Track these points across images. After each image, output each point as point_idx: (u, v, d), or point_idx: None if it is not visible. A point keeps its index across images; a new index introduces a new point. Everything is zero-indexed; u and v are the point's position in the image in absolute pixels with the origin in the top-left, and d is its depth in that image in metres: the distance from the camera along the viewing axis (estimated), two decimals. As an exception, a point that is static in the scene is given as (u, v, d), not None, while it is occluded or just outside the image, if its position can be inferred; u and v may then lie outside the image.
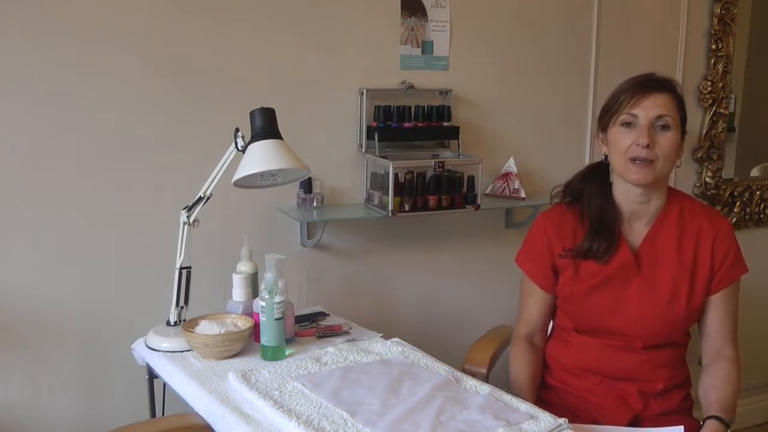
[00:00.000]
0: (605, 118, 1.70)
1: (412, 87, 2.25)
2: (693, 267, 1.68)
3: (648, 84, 1.64)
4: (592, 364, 1.73)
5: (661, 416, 1.70)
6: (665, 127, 1.61)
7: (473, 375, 1.90)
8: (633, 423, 1.69)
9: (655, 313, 1.67)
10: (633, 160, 1.62)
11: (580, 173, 1.81)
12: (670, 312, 1.67)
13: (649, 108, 1.61)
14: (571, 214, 1.77)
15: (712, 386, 1.67)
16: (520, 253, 1.84)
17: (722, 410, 1.62)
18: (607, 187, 1.75)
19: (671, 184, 2.80)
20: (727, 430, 1.61)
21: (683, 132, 1.66)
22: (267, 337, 1.64)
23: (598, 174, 1.77)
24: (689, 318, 1.70)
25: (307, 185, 2.14)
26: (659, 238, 1.70)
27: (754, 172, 3.09)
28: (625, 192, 1.70)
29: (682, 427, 1.57)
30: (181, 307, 1.78)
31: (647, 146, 1.60)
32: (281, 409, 1.36)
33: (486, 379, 1.93)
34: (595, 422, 1.67)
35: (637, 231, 1.72)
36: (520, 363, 1.77)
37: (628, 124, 1.63)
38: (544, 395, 1.79)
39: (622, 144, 1.64)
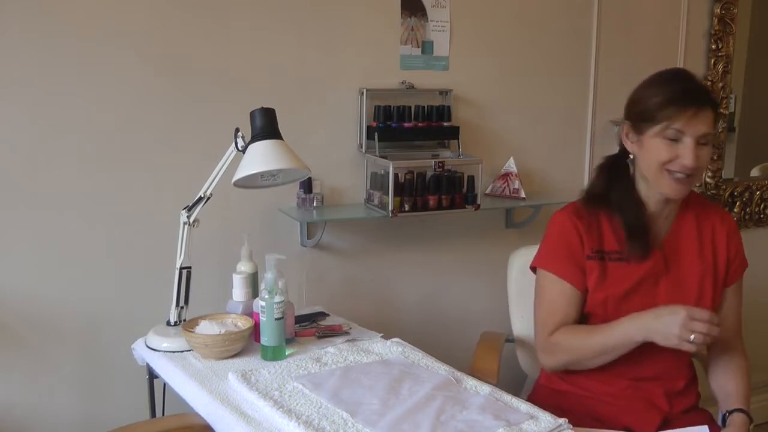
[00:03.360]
0: (641, 122, 1.59)
1: (412, 87, 2.25)
2: (714, 263, 1.68)
3: (696, 98, 1.54)
4: (622, 368, 1.65)
5: (684, 414, 1.70)
6: (705, 144, 1.56)
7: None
8: (663, 424, 1.65)
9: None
10: (670, 172, 1.56)
11: (601, 177, 1.73)
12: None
13: (698, 126, 1.53)
14: (592, 214, 1.68)
15: (728, 378, 1.68)
16: (541, 255, 1.73)
17: (744, 403, 1.63)
18: (629, 183, 1.68)
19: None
20: (751, 424, 1.62)
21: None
22: (267, 337, 1.64)
23: (619, 170, 1.70)
24: (717, 312, 1.66)
25: (307, 185, 2.14)
26: (680, 235, 1.69)
27: (754, 172, 3.09)
28: (650, 194, 1.66)
29: (706, 427, 1.55)
30: (181, 307, 1.78)
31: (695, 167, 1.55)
32: (281, 409, 1.36)
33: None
34: (627, 428, 1.63)
35: (659, 227, 1.69)
36: (579, 327, 1.67)
37: (672, 140, 1.55)
38: (565, 403, 1.69)
39: (663, 156, 1.56)
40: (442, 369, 1.59)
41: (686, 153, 1.53)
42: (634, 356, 1.61)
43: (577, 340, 1.64)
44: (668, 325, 1.48)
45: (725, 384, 1.68)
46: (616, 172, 1.70)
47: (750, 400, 1.67)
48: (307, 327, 1.87)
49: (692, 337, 1.46)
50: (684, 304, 1.54)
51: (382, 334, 1.83)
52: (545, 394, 1.77)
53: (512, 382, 2.08)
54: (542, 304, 1.71)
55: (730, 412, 1.63)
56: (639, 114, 1.59)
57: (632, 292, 1.65)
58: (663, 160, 1.55)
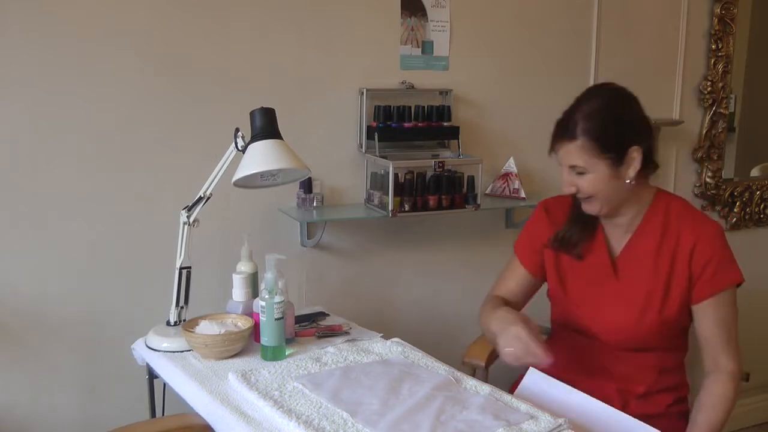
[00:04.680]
0: None
1: (412, 87, 2.25)
2: (668, 277, 1.63)
3: (558, 132, 1.61)
4: (574, 360, 1.71)
5: (643, 417, 1.62)
6: (581, 174, 1.59)
7: (472, 368, 1.91)
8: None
9: (628, 322, 1.65)
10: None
11: None
12: (642, 322, 1.64)
13: (563, 158, 1.61)
14: (566, 205, 1.75)
15: (704, 405, 1.63)
16: (518, 239, 1.85)
17: None
18: None
19: (671, 184, 2.82)
20: None
21: (618, 155, 1.57)
22: (267, 337, 1.64)
23: None
24: (665, 327, 1.65)
25: (307, 185, 2.14)
26: (639, 246, 1.67)
27: (754, 172, 3.09)
28: None
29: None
30: (181, 307, 1.78)
31: (569, 194, 1.62)
32: (281, 409, 1.36)
33: (485, 373, 1.94)
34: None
35: (618, 236, 1.70)
36: (498, 303, 1.73)
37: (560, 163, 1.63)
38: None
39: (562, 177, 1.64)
40: (442, 369, 1.59)
41: (563, 179, 1.62)
42: (585, 353, 1.69)
43: (484, 313, 1.71)
44: (502, 332, 1.54)
45: (699, 411, 1.63)
46: None
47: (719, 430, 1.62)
48: (307, 327, 1.87)
49: (506, 349, 1.52)
50: (626, 316, 1.64)
51: (382, 334, 1.83)
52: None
53: (511, 381, 2.08)
54: (502, 272, 1.86)
55: None
56: None
57: (576, 289, 1.72)
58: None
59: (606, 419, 1.49)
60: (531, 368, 1.66)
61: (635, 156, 1.57)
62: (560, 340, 1.77)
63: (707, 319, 1.63)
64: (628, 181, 1.59)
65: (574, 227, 1.71)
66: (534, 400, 1.48)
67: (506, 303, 1.75)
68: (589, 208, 1.64)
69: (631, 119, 1.61)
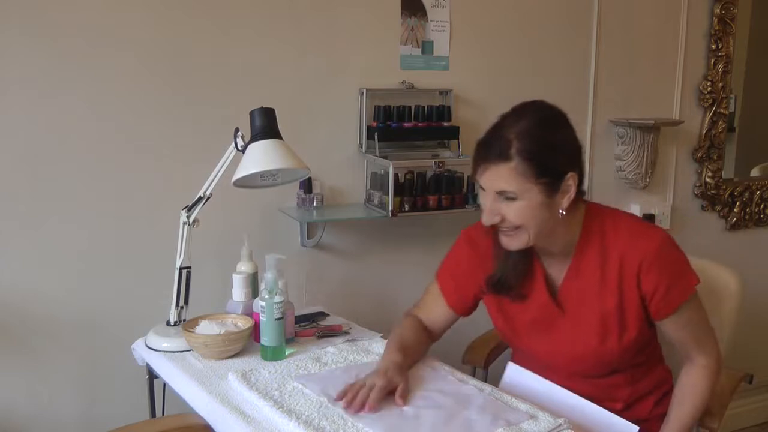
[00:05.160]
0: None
1: (412, 87, 2.25)
2: (619, 302, 1.49)
3: (484, 152, 1.42)
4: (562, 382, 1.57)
5: (640, 422, 1.57)
6: (510, 200, 1.41)
7: (472, 368, 1.91)
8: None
9: (587, 354, 1.53)
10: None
11: None
12: (603, 352, 1.52)
13: (489, 182, 1.41)
14: (490, 240, 1.56)
15: (675, 400, 1.56)
16: (440, 269, 1.70)
17: None
18: None
19: (671, 184, 2.81)
20: None
21: (553, 180, 1.41)
22: (267, 337, 1.64)
23: None
24: (628, 351, 1.54)
25: (307, 185, 2.14)
26: (581, 272, 1.52)
27: (754, 172, 3.09)
28: None
29: (637, 428, 1.46)
30: (181, 307, 1.78)
31: (492, 224, 1.43)
32: (281, 409, 1.36)
33: (485, 373, 1.94)
34: None
35: (556, 265, 1.55)
36: (409, 327, 1.65)
37: (481, 189, 1.46)
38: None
39: (482, 206, 1.46)
40: (442, 369, 1.59)
41: (484, 209, 1.44)
42: (555, 378, 1.56)
43: (393, 333, 1.63)
44: (375, 368, 1.46)
45: (669, 410, 1.57)
46: None
47: (693, 423, 1.57)
48: (307, 327, 1.87)
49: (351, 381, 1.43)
50: (583, 350, 1.52)
51: (382, 334, 1.83)
52: None
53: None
54: (426, 293, 1.72)
55: None
56: None
57: (525, 332, 1.59)
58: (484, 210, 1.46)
59: (587, 413, 1.47)
60: (510, 363, 1.64)
61: (571, 183, 1.42)
62: (523, 363, 1.65)
63: (672, 328, 1.53)
64: (561, 211, 1.43)
65: (507, 266, 1.53)
66: (518, 393, 1.47)
67: (424, 328, 1.68)
68: (512, 242, 1.46)
69: (565, 142, 1.44)
